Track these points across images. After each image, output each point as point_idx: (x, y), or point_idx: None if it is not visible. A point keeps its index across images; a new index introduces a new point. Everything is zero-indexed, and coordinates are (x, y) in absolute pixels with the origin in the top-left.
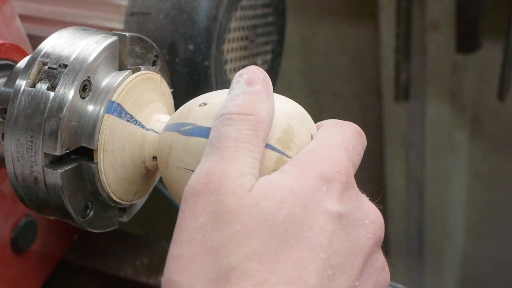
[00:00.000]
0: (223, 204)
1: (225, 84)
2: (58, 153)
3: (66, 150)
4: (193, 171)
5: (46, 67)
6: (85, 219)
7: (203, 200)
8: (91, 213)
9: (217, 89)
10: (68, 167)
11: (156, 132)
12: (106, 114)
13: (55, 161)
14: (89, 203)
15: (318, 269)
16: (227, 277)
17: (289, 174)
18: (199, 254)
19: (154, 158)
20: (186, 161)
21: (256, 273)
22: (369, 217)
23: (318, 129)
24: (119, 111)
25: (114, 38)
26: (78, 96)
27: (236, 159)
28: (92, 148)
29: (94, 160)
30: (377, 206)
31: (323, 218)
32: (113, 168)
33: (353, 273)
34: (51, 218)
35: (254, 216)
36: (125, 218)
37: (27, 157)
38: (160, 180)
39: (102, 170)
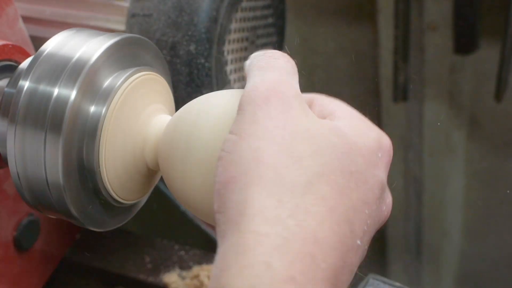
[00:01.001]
0: (299, 120)
1: (225, 84)
2: (60, 153)
3: (68, 146)
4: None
5: (48, 67)
6: (87, 217)
7: (277, 106)
8: (93, 211)
9: (218, 89)
10: (70, 167)
11: (158, 132)
12: (108, 112)
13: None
14: (81, 188)
15: (363, 220)
16: (305, 189)
17: (354, 130)
18: (279, 154)
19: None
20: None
21: (329, 197)
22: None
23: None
24: (133, 91)
25: (116, 38)
26: (81, 95)
27: (293, 81)
28: (95, 145)
29: (96, 158)
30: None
31: (375, 181)
32: (115, 166)
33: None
34: (53, 217)
35: (328, 146)
36: (126, 218)
37: (29, 157)
38: (161, 179)
39: (104, 168)
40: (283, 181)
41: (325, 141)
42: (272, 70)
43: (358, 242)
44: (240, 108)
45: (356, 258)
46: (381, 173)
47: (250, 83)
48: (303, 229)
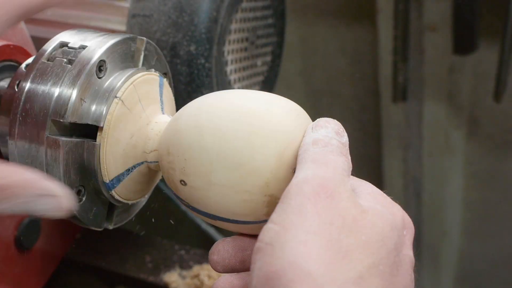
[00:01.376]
0: (347, 212)
1: (225, 84)
2: (61, 152)
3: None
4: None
5: (49, 68)
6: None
7: (326, 201)
8: (84, 198)
9: (218, 90)
10: (71, 167)
11: (158, 132)
12: (109, 112)
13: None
14: (82, 187)
15: None
16: (357, 285)
17: (384, 209)
18: (328, 249)
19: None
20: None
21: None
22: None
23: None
24: (132, 94)
25: (117, 39)
26: (81, 95)
27: (345, 178)
28: (95, 145)
29: (96, 158)
30: None
31: (409, 261)
32: (115, 166)
33: None
34: None
35: (376, 233)
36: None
37: (30, 156)
38: (162, 179)
39: (104, 167)
40: (333, 277)
41: (373, 230)
42: (326, 165)
43: None
44: (286, 197)
45: None
46: (410, 252)
47: (301, 174)
48: None
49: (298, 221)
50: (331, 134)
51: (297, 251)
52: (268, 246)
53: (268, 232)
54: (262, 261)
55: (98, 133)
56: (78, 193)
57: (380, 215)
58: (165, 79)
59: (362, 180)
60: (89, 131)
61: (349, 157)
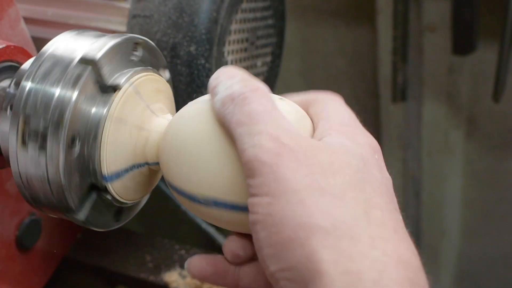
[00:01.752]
0: (316, 153)
1: None
2: (62, 153)
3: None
4: None
5: (50, 68)
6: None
7: (290, 156)
8: (94, 210)
9: None
10: (72, 167)
11: (159, 132)
12: (109, 113)
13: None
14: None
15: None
16: (366, 220)
17: (349, 140)
18: (323, 197)
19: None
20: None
21: (387, 220)
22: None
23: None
24: (135, 90)
25: (117, 39)
26: (82, 95)
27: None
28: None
29: (97, 158)
30: None
31: (389, 181)
32: (116, 166)
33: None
34: (55, 216)
35: (362, 171)
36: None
37: (31, 157)
38: (162, 179)
39: (105, 168)
40: (342, 221)
41: (354, 164)
42: (263, 123)
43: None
44: (253, 173)
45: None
46: (387, 173)
47: (249, 143)
48: (390, 257)
49: (281, 187)
50: (227, 83)
51: (299, 212)
52: (267, 216)
53: (258, 205)
54: (266, 231)
55: (99, 134)
56: (79, 193)
57: (354, 153)
58: (165, 79)
59: (332, 103)
60: (90, 131)
61: (261, 84)
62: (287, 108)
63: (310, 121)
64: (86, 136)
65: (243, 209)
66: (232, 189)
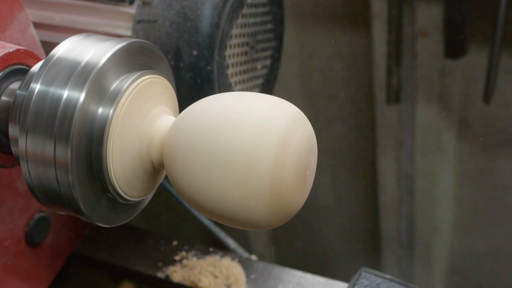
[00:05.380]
0: None
1: (226, 87)
2: (69, 152)
3: (78, 146)
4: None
5: (58, 71)
6: (95, 213)
7: None
8: (100, 208)
9: (219, 92)
10: (79, 166)
11: (162, 132)
12: (115, 114)
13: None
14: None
15: None
16: None
17: None
18: None
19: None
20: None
21: None
22: None
23: None
24: (140, 92)
25: (123, 43)
26: (89, 97)
27: None
28: (102, 145)
29: (104, 158)
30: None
31: None
32: (122, 165)
33: None
34: (63, 213)
35: None
36: (132, 214)
37: (40, 156)
38: (166, 177)
39: (111, 167)
40: None
41: None
42: None
43: None
44: None
45: None
46: None
47: None
48: None
49: None
50: None
51: None
52: None
53: None
54: None
55: (105, 134)
56: (86, 191)
57: None
58: (168, 82)
59: None
60: (96, 132)
61: None
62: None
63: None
64: (93, 136)
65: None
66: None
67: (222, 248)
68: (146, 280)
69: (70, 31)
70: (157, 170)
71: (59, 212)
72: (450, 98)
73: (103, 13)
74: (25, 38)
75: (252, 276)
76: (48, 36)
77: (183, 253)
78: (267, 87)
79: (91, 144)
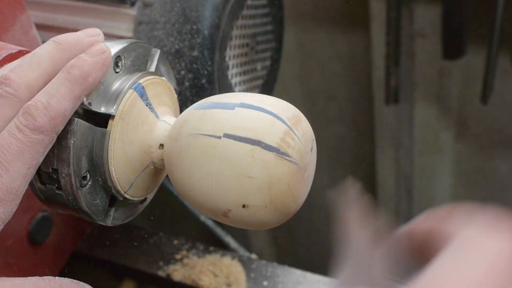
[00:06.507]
0: None
1: (227, 88)
2: (71, 152)
3: (79, 149)
4: (206, 135)
5: None
6: (97, 213)
7: None
8: (89, 184)
9: (220, 93)
10: (81, 166)
11: (163, 133)
12: (130, 89)
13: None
14: (86, 173)
15: None
16: None
17: None
18: None
19: (161, 146)
20: (200, 127)
21: None
22: None
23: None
24: (141, 92)
25: (124, 44)
26: (91, 97)
27: None
28: (104, 145)
29: (105, 157)
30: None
31: None
32: (123, 165)
33: None
34: (65, 213)
35: None
36: (134, 214)
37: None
38: (167, 177)
39: (113, 167)
40: None
41: None
42: None
43: None
44: None
45: None
46: None
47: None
48: None
49: None
50: None
51: None
52: None
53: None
54: None
55: (109, 122)
56: (84, 178)
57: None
58: (169, 83)
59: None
60: (98, 132)
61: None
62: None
63: (307, 122)
64: (95, 137)
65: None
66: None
67: (222, 247)
68: (147, 278)
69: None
70: (158, 170)
71: (61, 211)
72: (448, 98)
73: (105, 15)
74: (28, 39)
75: (252, 275)
76: (51, 37)
77: (184, 252)
78: (267, 88)
79: (93, 144)
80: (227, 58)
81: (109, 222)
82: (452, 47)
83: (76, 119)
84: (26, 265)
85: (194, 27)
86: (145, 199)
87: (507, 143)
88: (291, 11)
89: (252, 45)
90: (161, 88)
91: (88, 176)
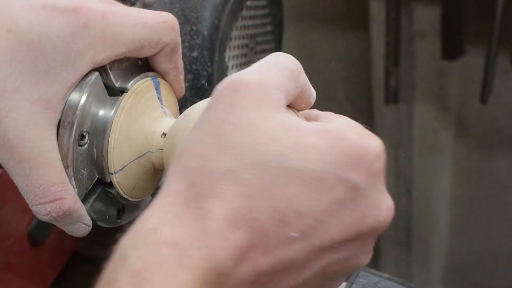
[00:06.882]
0: (245, 111)
1: None
2: (71, 152)
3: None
4: None
5: None
6: (96, 213)
7: (228, 97)
8: (102, 208)
9: None
10: (81, 167)
11: (162, 134)
12: (116, 115)
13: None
14: (86, 133)
15: (306, 214)
16: (221, 175)
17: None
18: (208, 145)
19: (163, 134)
20: None
21: (247, 183)
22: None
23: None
24: (156, 85)
25: None
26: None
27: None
28: (103, 146)
29: (105, 158)
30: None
31: (339, 182)
32: (123, 166)
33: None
34: None
35: (270, 139)
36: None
37: None
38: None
39: (112, 167)
40: (202, 169)
41: (266, 134)
42: (256, 65)
43: (294, 234)
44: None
45: (293, 251)
46: (355, 177)
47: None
48: (201, 209)
49: (201, 121)
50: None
51: (184, 148)
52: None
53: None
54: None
55: (106, 135)
56: (82, 137)
57: (292, 127)
58: (165, 82)
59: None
60: (97, 133)
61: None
62: None
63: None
64: (95, 137)
65: None
66: None
67: None
68: None
69: None
70: (157, 171)
71: None
72: (447, 98)
73: None
74: None
75: None
76: None
77: None
78: None
79: (92, 145)
80: (226, 59)
81: (109, 223)
82: (452, 48)
83: (96, 72)
84: (26, 265)
85: (194, 28)
86: (145, 200)
87: (506, 143)
88: (291, 12)
89: (251, 46)
90: (170, 92)
91: (87, 137)
